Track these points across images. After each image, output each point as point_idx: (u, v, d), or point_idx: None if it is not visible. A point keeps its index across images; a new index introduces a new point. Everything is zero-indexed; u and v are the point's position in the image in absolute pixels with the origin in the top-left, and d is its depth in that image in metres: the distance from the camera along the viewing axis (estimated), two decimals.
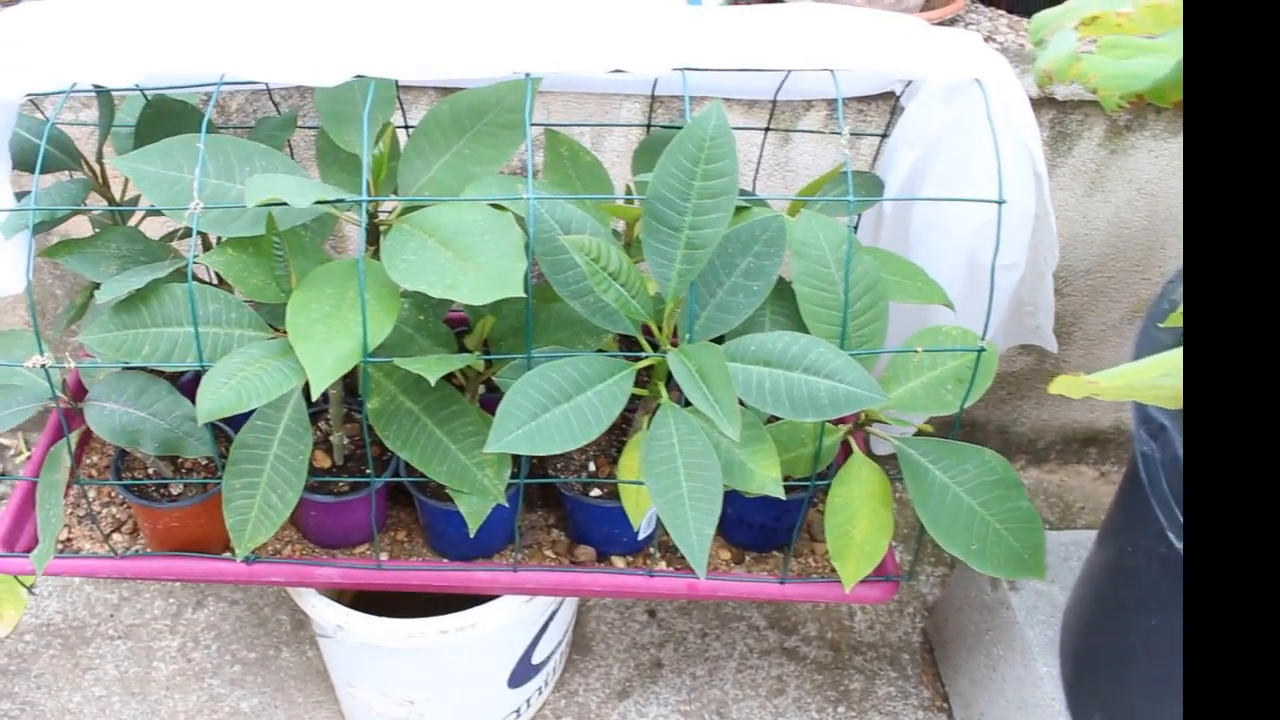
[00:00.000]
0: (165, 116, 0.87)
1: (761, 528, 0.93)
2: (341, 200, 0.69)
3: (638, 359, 0.75)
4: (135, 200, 0.93)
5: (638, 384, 0.74)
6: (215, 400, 0.67)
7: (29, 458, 1.42)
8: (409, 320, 0.81)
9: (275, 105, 0.99)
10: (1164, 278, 1.30)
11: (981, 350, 0.79)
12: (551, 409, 0.68)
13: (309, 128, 1.10)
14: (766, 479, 0.76)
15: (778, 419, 0.79)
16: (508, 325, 0.82)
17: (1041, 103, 1.11)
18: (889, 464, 0.85)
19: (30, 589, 0.95)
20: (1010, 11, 1.15)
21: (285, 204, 0.66)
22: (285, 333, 0.75)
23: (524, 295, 0.64)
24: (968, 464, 0.80)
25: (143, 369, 0.80)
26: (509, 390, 0.68)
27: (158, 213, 0.85)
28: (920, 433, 0.85)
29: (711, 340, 0.76)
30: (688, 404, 0.75)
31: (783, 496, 0.76)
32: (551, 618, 1.05)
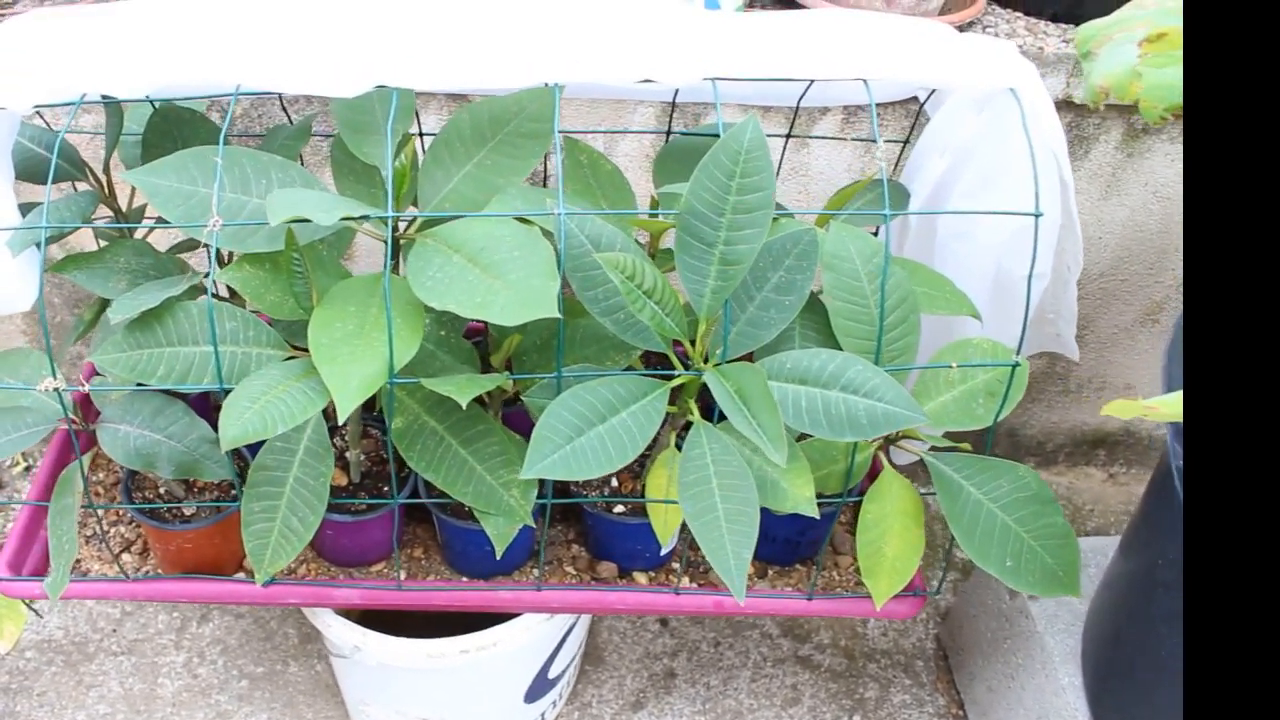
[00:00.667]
0: (173, 125, 0.85)
1: (786, 542, 0.91)
2: (367, 216, 0.67)
3: (670, 378, 0.73)
4: (142, 211, 0.90)
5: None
6: (239, 426, 0.64)
7: (30, 471, 1.39)
8: (430, 336, 0.79)
9: (286, 111, 0.97)
10: (1177, 281, 1.29)
11: (1016, 365, 0.77)
12: (587, 431, 0.67)
13: (317, 135, 1.07)
14: (801, 498, 0.74)
15: (809, 435, 0.77)
16: (532, 341, 0.80)
17: (1059, 106, 1.10)
18: (908, 473, 0.84)
19: (31, 605, 0.93)
20: (1027, 14, 1.13)
21: (309, 220, 0.64)
22: (303, 350, 0.73)
23: (558, 316, 0.63)
24: (1002, 479, 0.79)
25: (157, 389, 0.78)
26: (543, 414, 0.66)
27: (165, 225, 0.83)
28: (936, 448, 0.84)
29: (741, 356, 0.75)
30: (718, 421, 0.73)
31: (816, 515, 0.74)
32: (569, 632, 1.03)
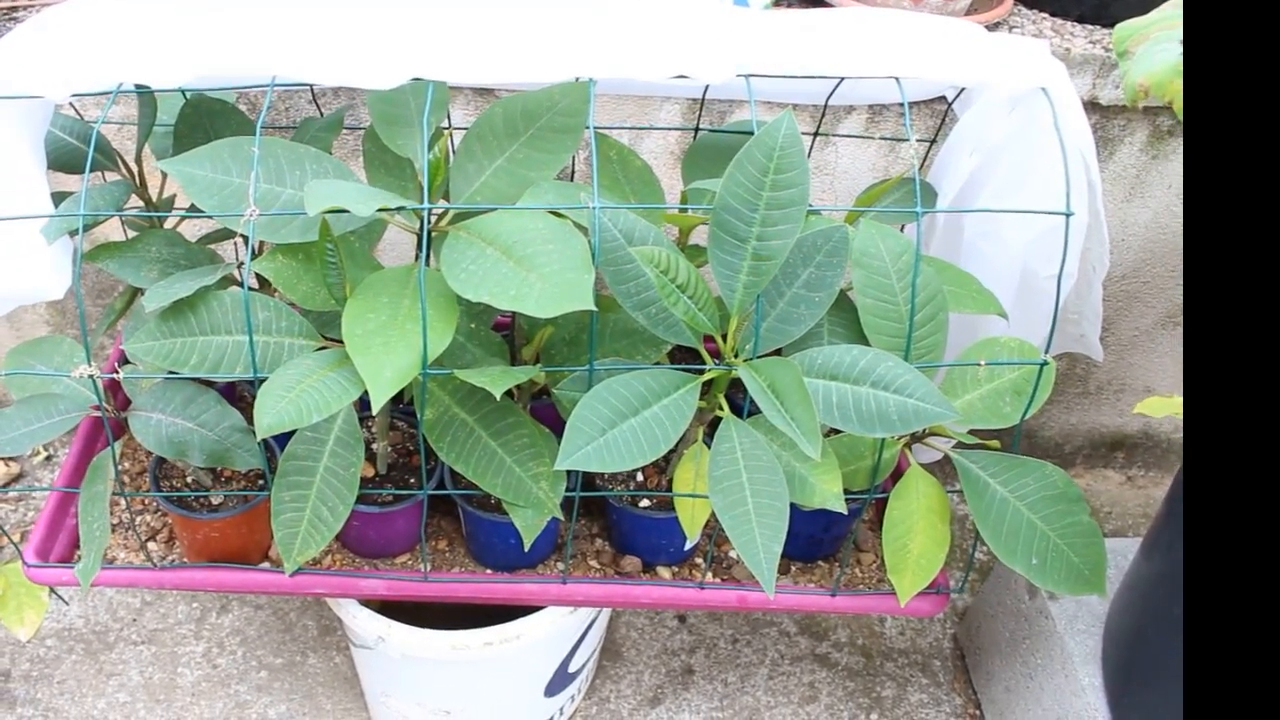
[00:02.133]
0: (204, 116, 0.85)
1: (809, 538, 0.91)
2: (404, 208, 0.67)
3: (702, 372, 0.73)
4: (172, 202, 0.91)
5: None
6: (274, 415, 0.65)
7: (50, 460, 1.40)
8: (460, 329, 0.79)
9: (316, 103, 0.97)
10: None
11: (1044, 364, 0.77)
12: (620, 424, 0.67)
13: (343, 128, 1.07)
14: (829, 493, 0.74)
15: (837, 431, 0.77)
16: (561, 335, 0.80)
17: (1085, 107, 1.10)
18: (929, 471, 0.84)
19: (55, 592, 0.93)
20: (1053, 15, 1.13)
21: (346, 211, 0.65)
22: (334, 341, 0.73)
23: (593, 308, 0.63)
24: (1028, 478, 0.79)
25: (189, 378, 0.78)
26: (577, 406, 0.66)
27: (199, 215, 0.83)
28: (960, 445, 0.84)
29: (770, 352, 0.75)
30: (747, 415, 0.73)
31: (844, 511, 0.74)
32: (590, 626, 1.03)
